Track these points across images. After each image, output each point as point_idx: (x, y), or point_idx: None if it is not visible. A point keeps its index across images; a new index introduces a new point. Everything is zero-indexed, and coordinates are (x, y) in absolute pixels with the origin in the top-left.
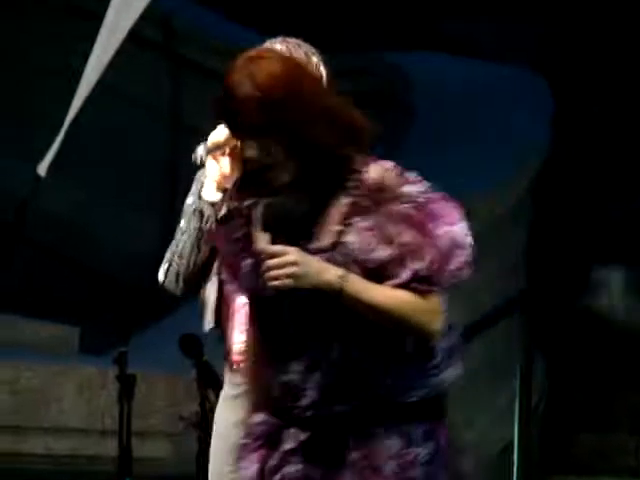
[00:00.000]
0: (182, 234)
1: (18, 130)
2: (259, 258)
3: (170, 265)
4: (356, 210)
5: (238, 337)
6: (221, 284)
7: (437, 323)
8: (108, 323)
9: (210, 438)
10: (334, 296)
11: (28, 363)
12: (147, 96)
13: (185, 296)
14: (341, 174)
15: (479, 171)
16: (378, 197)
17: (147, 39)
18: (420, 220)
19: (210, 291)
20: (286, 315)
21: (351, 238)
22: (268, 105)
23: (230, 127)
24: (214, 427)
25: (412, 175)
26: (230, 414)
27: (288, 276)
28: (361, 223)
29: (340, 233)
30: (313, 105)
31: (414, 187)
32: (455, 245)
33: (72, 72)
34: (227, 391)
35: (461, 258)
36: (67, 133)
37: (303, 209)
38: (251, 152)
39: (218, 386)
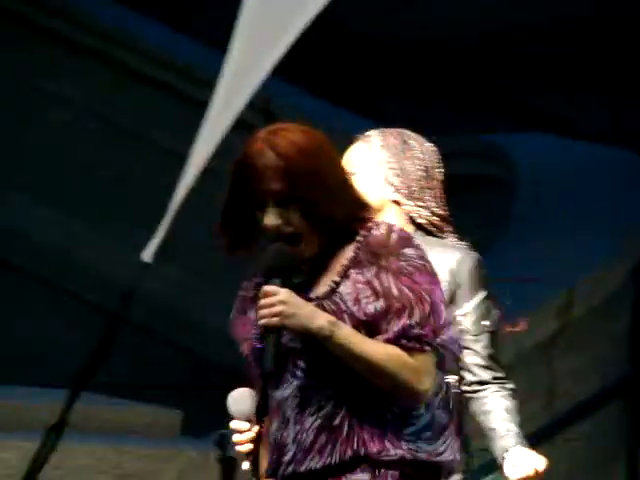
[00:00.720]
0: None
1: (121, 216)
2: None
3: None
4: (355, 263)
5: None
6: None
7: (425, 383)
8: (210, 405)
9: None
10: (323, 341)
11: (131, 446)
12: None
13: None
14: (352, 231)
15: (581, 254)
16: (378, 252)
17: (246, 122)
18: (413, 278)
19: None
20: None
21: (345, 289)
22: (290, 174)
23: (249, 196)
24: None
25: (418, 240)
26: None
27: (275, 314)
28: (356, 275)
29: (336, 283)
30: (331, 176)
31: (415, 251)
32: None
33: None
34: None
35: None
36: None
37: (309, 258)
38: (270, 220)
39: None
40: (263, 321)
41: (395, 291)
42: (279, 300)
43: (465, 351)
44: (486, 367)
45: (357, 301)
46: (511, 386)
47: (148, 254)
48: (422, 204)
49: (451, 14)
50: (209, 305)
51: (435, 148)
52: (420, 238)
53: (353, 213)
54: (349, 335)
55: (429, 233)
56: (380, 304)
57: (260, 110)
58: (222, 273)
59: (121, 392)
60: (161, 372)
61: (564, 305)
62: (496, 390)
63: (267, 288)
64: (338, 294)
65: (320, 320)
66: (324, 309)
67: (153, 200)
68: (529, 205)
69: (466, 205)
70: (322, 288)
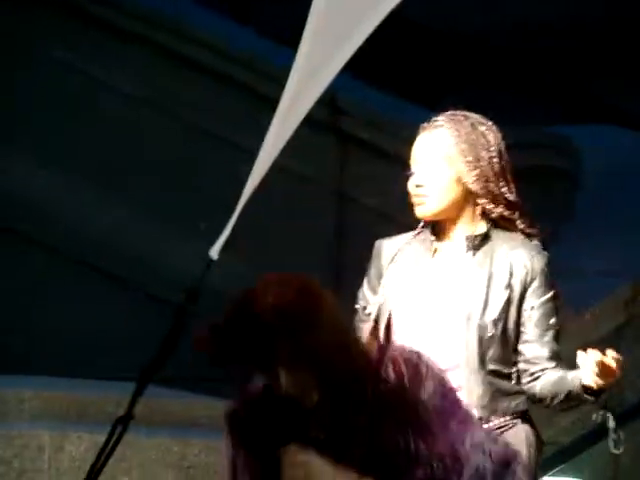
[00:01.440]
0: None
1: (185, 207)
2: None
3: None
4: (379, 415)
5: None
6: None
7: None
8: None
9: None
10: None
11: (196, 440)
12: (313, 172)
13: None
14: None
15: None
16: (396, 402)
17: (313, 117)
18: (433, 425)
19: None
20: None
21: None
22: (280, 336)
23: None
24: None
25: (423, 369)
26: None
27: None
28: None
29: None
30: (332, 335)
31: (429, 386)
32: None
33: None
34: None
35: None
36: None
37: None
38: (286, 384)
39: None
40: None
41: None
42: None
43: (529, 345)
44: (550, 359)
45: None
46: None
47: (215, 250)
48: (497, 198)
49: (517, 9)
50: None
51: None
52: (494, 234)
53: (356, 370)
54: None
55: (503, 227)
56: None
57: (326, 104)
58: (286, 268)
59: (186, 385)
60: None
61: (630, 298)
62: (562, 370)
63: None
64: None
65: None
66: None
67: (217, 194)
68: (596, 198)
69: (532, 197)
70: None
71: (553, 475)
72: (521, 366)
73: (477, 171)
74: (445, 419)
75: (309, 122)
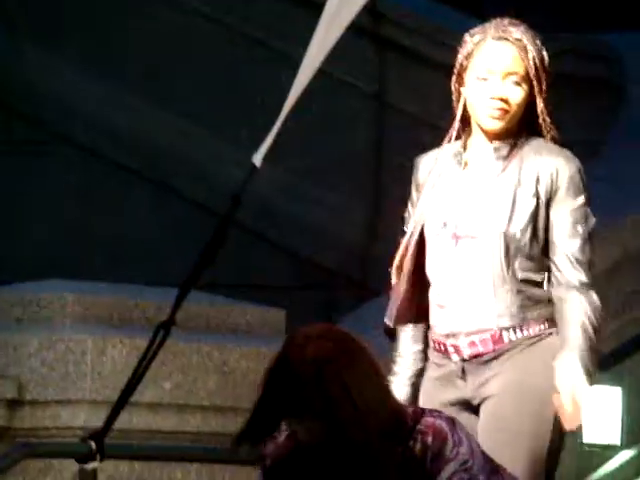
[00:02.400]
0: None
1: (229, 115)
2: None
3: None
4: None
5: (436, 319)
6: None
7: None
8: (315, 305)
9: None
10: None
11: (236, 345)
12: (352, 78)
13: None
14: (391, 447)
15: None
16: (434, 471)
17: (353, 23)
18: None
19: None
20: None
21: None
22: (326, 393)
23: (287, 405)
24: (420, 397)
25: (449, 448)
26: (434, 394)
27: None
28: None
29: None
30: (366, 392)
31: (449, 468)
32: None
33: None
34: (430, 373)
35: None
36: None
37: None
38: (301, 433)
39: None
40: None
41: None
42: None
43: (557, 250)
44: (574, 269)
45: None
46: (594, 298)
47: (258, 158)
48: (542, 111)
49: None
50: (313, 206)
51: None
52: (524, 142)
53: (388, 429)
54: None
55: (534, 135)
56: None
57: (367, 10)
58: (326, 175)
59: (226, 293)
60: (265, 273)
61: None
62: (578, 300)
63: None
64: None
65: None
66: None
67: (262, 103)
68: (638, 108)
69: (573, 106)
70: None
71: (593, 383)
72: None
73: (544, 89)
74: None
75: (349, 28)
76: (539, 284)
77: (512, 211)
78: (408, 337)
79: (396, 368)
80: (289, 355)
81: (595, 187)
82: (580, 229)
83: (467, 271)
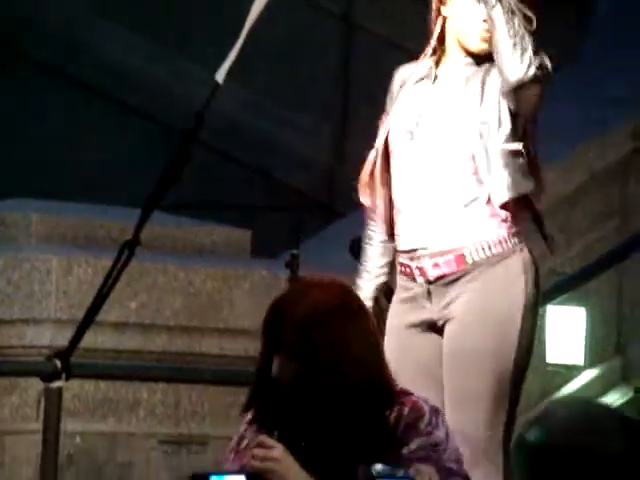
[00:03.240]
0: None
1: (194, 37)
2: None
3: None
4: (371, 456)
5: (404, 242)
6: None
7: None
8: (280, 226)
9: (382, 339)
10: None
11: (201, 266)
12: None
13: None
14: (378, 408)
15: None
16: (385, 450)
17: None
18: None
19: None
20: None
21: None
22: (311, 334)
23: (270, 343)
24: (387, 327)
25: (424, 423)
26: (401, 316)
27: (265, 470)
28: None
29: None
30: (356, 343)
31: (417, 442)
32: None
33: None
34: (397, 296)
35: None
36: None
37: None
38: (276, 370)
39: (388, 290)
40: (254, 465)
41: None
42: (272, 457)
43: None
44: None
45: None
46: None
47: (221, 74)
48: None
49: None
50: (281, 127)
51: None
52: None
53: (369, 393)
54: None
55: None
56: None
57: None
58: (295, 97)
59: (192, 214)
60: (232, 194)
61: (638, 128)
62: None
63: (264, 439)
64: None
65: None
66: None
67: (226, 22)
68: (612, 15)
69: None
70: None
71: (557, 304)
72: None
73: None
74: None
75: None
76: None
77: (481, 121)
78: (376, 253)
79: (361, 283)
80: (287, 295)
81: (559, 109)
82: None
83: (434, 181)
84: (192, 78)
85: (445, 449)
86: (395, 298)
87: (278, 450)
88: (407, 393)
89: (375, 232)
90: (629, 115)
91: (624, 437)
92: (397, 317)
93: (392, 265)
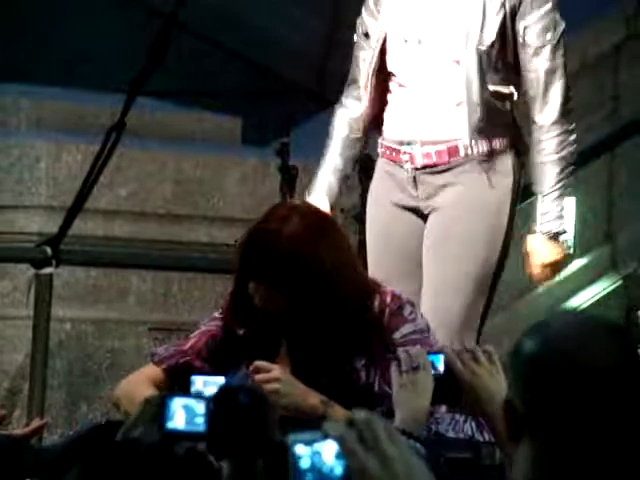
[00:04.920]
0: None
1: None
2: (249, 372)
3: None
4: (358, 349)
5: (393, 124)
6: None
7: None
8: (270, 115)
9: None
10: (316, 421)
11: (191, 154)
12: None
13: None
14: (361, 316)
15: None
16: (373, 338)
17: None
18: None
19: None
20: None
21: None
22: (290, 263)
23: (249, 272)
24: (371, 200)
25: (407, 311)
26: (383, 193)
27: (270, 392)
28: (360, 363)
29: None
30: (331, 266)
31: (407, 328)
32: None
33: None
34: (378, 181)
35: None
36: None
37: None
38: (257, 299)
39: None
40: None
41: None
42: (274, 377)
43: (528, 62)
44: (548, 71)
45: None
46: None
47: None
48: None
49: None
50: (273, 17)
51: None
52: None
53: (356, 302)
54: (342, 414)
55: None
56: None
57: None
58: None
59: (182, 100)
60: (223, 82)
61: (632, 15)
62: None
63: (261, 364)
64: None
65: (313, 399)
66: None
67: None
68: None
69: None
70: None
71: None
72: (526, 86)
73: None
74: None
75: None
76: (506, 97)
77: (482, 24)
78: (344, 122)
79: (327, 155)
80: (264, 226)
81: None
82: (549, 36)
83: (434, 80)
84: None
85: (429, 336)
86: (375, 182)
87: (277, 370)
88: (379, 284)
89: (351, 106)
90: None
91: (618, 350)
92: (380, 198)
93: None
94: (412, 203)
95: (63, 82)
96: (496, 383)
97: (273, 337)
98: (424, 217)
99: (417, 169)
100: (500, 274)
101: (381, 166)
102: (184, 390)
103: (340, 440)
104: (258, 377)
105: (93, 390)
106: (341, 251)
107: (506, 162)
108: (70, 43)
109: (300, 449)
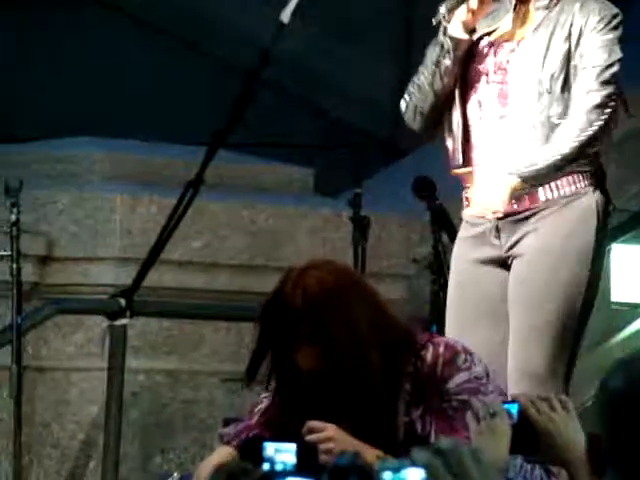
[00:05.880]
0: (423, 67)
1: None
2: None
3: (410, 99)
4: (414, 399)
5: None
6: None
7: None
8: (343, 165)
9: (443, 279)
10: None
11: (265, 204)
12: None
13: (424, 133)
14: (400, 362)
15: None
16: (428, 388)
17: None
18: (453, 424)
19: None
20: None
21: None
22: (317, 318)
23: (279, 335)
24: (452, 263)
25: (461, 359)
26: (466, 252)
27: (325, 452)
28: (416, 413)
29: (408, 424)
30: (363, 317)
31: (461, 377)
32: None
33: None
34: (462, 233)
35: None
36: None
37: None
38: (301, 361)
39: (451, 229)
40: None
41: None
42: (327, 437)
43: (582, 77)
44: (600, 90)
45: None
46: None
47: (286, 14)
48: None
49: None
50: (343, 65)
51: None
52: None
53: (394, 348)
54: None
55: None
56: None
57: None
58: (356, 35)
59: (254, 152)
60: (294, 133)
61: None
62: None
63: (314, 424)
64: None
65: (369, 455)
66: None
67: None
68: None
69: None
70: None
71: (623, 242)
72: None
73: None
74: (463, 415)
75: None
76: None
77: (545, 57)
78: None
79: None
80: (283, 285)
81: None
82: (607, 56)
83: (504, 122)
84: (256, 14)
85: (487, 383)
86: (460, 234)
87: (331, 429)
88: (433, 334)
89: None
90: None
91: None
92: (463, 253)
93: None
94: (495, 254)
95: (136, 134)
96: (573, 430)
97: (324, 396)
98: (507, 266)
99: (499, 218)
100: (587, 321)
101: (465, 217)
102: (256, 461)
103: (426, 466)
104: (310, 437)
105: (167, 441)
106: (366, 302)
107: (589, 203)
108: (140, 95)
109: (387, 475)
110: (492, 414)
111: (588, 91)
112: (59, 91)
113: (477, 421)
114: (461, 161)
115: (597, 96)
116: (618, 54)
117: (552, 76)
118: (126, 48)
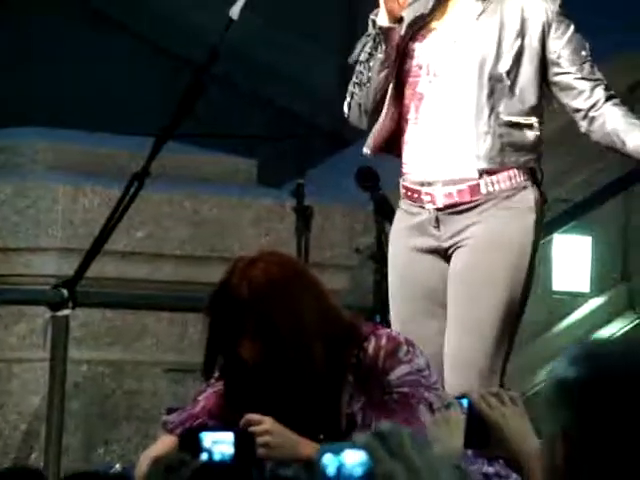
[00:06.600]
0: (359, 65)
1: None
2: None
3: (352, 98)
4: (356, 391)
5: (411, 164)
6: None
7: None
8: (287, 156)
9: (386, 269)
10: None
11: (208, 195)
12: None
13: (370, 129)
14: (345, 355)
15: None
16: (370, 380)
17: None
18: (393, 417)
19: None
20: None
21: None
22: (262, 309)
23: (227, 327)
24: (390, 250)
25: (403, 351)
26: (404, 241)
27: (261, 445)
28: (358, 405)
29: (350, 416)
30: (308, 309)
31: (402, 369)
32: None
33: None
34: (399, 223)
35: None
36: None
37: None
38: (245, 353)
39: (394, 218)
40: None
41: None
42: (265, 430)
43: (571, 82)
44: (596, 85)
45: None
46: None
47: (235, 11)
48: None
49: None
50: (287, 55)
51: None
52: None
53: (338, 340)
54: None
55: None
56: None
57: None
58: (300, 24)
59: (198, 142)
60: (237, 123)
61: None
62: (610, 105)
63: (251, 416)
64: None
65: (308, 449)
66: None
67: None
68: None
69: None
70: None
71: (564, 232)
72: (577, 105)
73: None
74: (403, 407)
75: None
76: (527, 127)
77: (497, 52)
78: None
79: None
80: (230, 277)
81: None
82: (584, 53)
83: (447, 113)
84: (208, 8)
85: (430, 375)
86: (397, 224)
87: (268, 422)
88: (376, 326)
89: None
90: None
91: None
92: (401, 241)
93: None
94: (434, 244)
95: (80, 125)
96: (522, 423)
97: (268, 388)
98: (447, 257)
99: (439, 209)
100: (522, 314)
101: (402, 207)
102: (194, 452)
103: (366, 448)
104: (248, 430)
105: (110, 432)
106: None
107: (529, 198)
108: (88, 86)
109: (327, 457)
110: (446, 405)
111: (593, 87)
112: (3, 81)
113: (432, 412)
114: (372, 146)
115: (602, 86)
116: (586, 42)
117: (505, 70)
118: (74, 39)
